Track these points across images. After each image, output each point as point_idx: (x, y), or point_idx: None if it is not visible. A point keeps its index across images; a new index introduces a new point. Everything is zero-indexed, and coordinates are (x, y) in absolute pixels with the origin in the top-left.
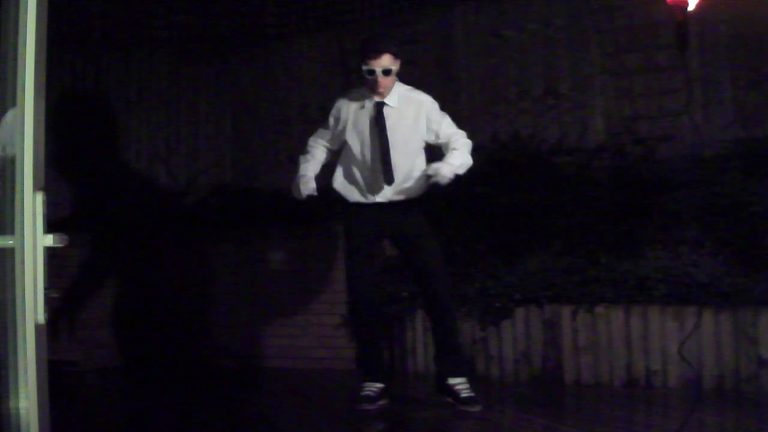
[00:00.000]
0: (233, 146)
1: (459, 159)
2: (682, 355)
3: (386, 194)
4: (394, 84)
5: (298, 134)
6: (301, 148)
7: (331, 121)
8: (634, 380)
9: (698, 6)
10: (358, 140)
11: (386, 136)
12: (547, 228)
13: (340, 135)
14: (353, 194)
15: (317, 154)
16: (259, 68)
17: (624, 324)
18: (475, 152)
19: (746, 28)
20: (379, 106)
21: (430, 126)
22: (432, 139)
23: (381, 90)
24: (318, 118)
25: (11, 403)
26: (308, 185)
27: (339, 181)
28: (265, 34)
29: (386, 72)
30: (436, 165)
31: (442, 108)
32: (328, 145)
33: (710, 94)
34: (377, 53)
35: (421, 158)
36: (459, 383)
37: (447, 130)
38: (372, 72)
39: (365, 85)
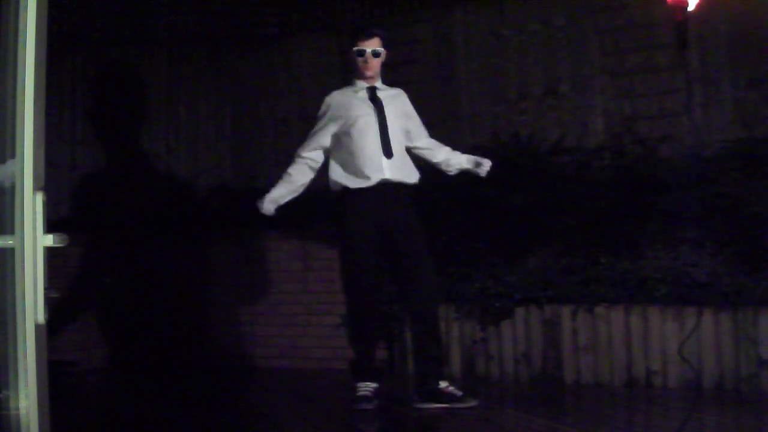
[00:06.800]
0: (233, 146)
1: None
2: (682, 355)
3: (386, 172)
4: (379, 71)
5: (298, 134)
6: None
7: (326, 120)
8: (634, 380)
9: (698, 6)
10: (357, 124)
11: (384, 113)
12: (547, 228)
13: (342, 128)
14: (354, 180)
15: (298, 176)
16: (259, 68)
17: (624, 324)
18: (475, 152)
19: (746, 27)
20: (373, 89)
21: (409, 116)
22: (408, 128)
23: (370, 73)
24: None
25: (11, 403)
26: (267, 207)
27: (337, 172)
28: (265, 34)
29: (376, 54)
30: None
31: (443, 108)
32: (326, 145)
33: (710, 94)
34: (369, 36)
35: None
36: (448, 385)
37: (424, 132)
38: (362, 53)
39: (354, 71)
